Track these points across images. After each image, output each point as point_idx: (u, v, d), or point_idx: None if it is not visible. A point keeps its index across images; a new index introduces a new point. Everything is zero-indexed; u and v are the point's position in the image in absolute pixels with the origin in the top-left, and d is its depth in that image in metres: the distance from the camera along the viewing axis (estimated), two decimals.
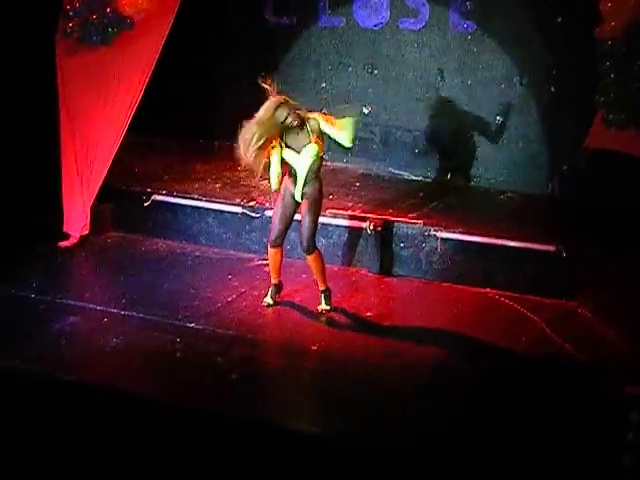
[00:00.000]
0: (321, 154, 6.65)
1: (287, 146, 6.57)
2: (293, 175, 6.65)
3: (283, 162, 6.60)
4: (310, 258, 6.78)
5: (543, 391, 5.86)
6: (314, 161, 6.61)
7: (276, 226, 6.77)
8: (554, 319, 6.82)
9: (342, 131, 6.58)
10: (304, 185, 6.64)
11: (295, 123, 6.48)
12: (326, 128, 6.57)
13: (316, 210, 6.72)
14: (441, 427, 5.44)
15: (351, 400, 5.71)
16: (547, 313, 6.92)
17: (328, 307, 6.89)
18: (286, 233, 6.82)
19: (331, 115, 6.71)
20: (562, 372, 6.11)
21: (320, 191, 6.73)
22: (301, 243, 6.77)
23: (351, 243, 7.78)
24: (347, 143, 6.65)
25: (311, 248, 6.73)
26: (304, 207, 6.70)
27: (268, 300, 6.96)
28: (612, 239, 7.18)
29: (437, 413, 5.61)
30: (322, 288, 6.89)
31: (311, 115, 6.60)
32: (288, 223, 6.80)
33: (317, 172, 6.68)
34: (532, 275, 7.25)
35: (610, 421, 5.42)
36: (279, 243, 6.79)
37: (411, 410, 5.63)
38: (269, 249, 6.87)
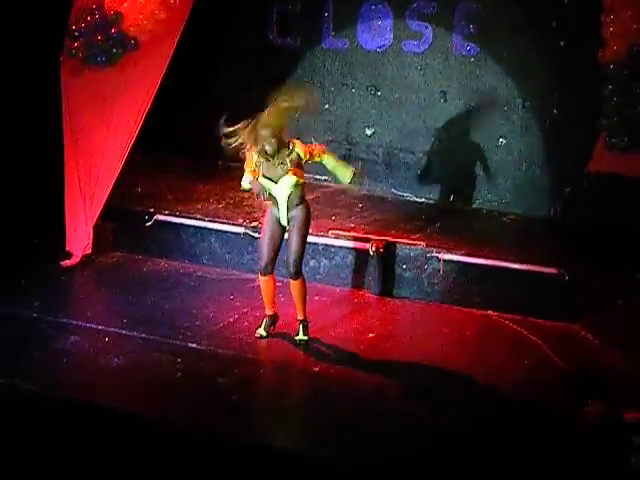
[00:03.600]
0: (300, 182, 6.52)
1: (264, 176, 6.50)
2: (274, 201, 6.59)
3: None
4: (294, 284, 6.63)
5: (545, 414, 5.83)
6: (292, 191, 6.51)
7: (265, 253, 6.64)
8: (556, 342, 6.81)
9: (338, 169, 6.64)
10: (288, 210, 6.56)
11: (269, 151, 6.41)
12: (327, 163, 6.61)
13: (303, 234, 6.58)
14: (442, 451, 5.42)
15: (352, 423, 5.69)
16: (549, 336, 6.91)
17: (305, 337, 6.72)
18: (276, 259, 6.66)
19: (315, 146, 6.63)
20: (564, 395, 6.09)
21: (307, 215, 6.60)
22: (287, 268, 6.61)
23: (353, 264, 7.77)
24: (345, 180, 6.68)
25: (297, 273, 6.59)
26: (291, 231, 6.58)
27: (261, 332, 6.78)
28: (614, 262, 7.17)
29: (438, 437, 5.58)
30: (301, 318, 6.74)
31: (296, 145, 6.49)
32: (277, 249, 6.66)
33: (301, 198, 6.57)
34: (534, 298, 7.24)
35: (613, 445, 5.40)
36: (270, 270, 6.65)
37: (412, 434, 5.61)
38: (260, 277, 6.72)
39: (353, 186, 6.57)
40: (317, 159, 6.61)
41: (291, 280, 6.65)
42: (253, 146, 6.47)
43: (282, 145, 6.46)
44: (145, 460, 5.44)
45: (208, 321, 7.03)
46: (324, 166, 6.70)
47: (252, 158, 6.52)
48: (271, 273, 6.68)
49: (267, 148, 6.41)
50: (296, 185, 6.51)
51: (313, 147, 6.60)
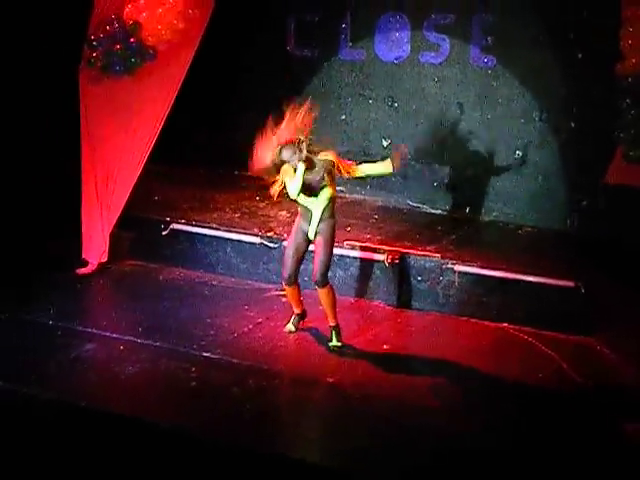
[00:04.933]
0: (334, 195, 6.64)
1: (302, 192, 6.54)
2: (306, 214, 6.66)
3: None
4: (322, 292, 6.73)
5: (560, 428, 5.80)
6: (327, 205, 6.62)
7: (289, 264, 6.75)
8: (572, 355, 6.77)
9: (378, 170, 6.76)
10: (318, 224, 6.65)
11: (299, 163, 6.45)
12: (364, 173, 6.76)
13: (330, 246, 6.71)
14: (457, 465, 5.40)
15: (365, 435, 5.67)
16: (565, 349, 6.87)
17: (339, 344, 6.80)
18: (299, 270, 6.80)
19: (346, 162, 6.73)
20: (579, 409, 6.06)
21: (334, 227, 6.72)
22: (313, 277, 6.73)
23: (368, 275, 7.76)
24: (390, 169, 6.74)
25: (324, 283, 6.69)
26: (318, 243, 6.69)
27: (290, 327, 6.96)
28: (631, 275, 7.14)
29: (452, 450, 5.56)
30: (332, 324, 6.82)
31: (326, 156, 6.58)
32: (300, 260, 6.80)
33: (332, 211, 6.67)
34: (550, 311, 7.21)
35: (628, 459, 5.37)
36: (293, 281, 6.78)
37: (426, 446, 5.59)
38: (285, 287, 6.88)
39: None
40: (346, 175, 6.72)
41: (318, 289, 6.74)
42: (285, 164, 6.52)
43: (314, 156, 6.53)
44: (159, 469, 5.44)
45: (223, 331, 7.03)
46: (365, 176, 6.90)
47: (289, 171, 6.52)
48: (295, 282, 6.81)
49: (295, 160, 6.45)
50: (330, 198, 6.60)
51: (344, 163, 6.69)
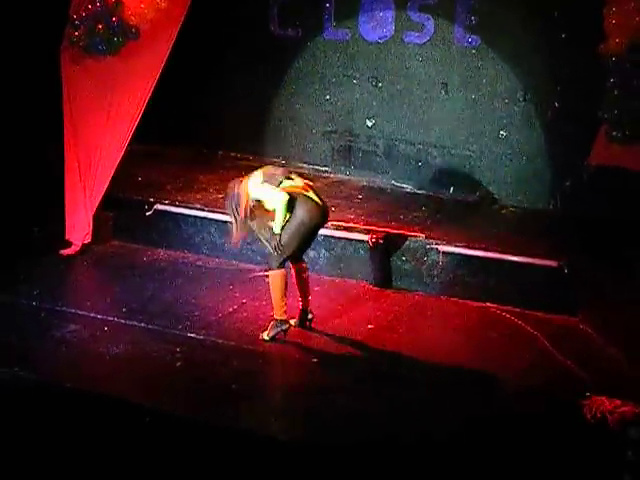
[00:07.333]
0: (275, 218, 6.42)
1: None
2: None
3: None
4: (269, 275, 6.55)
5: (543, 407, 5.84)
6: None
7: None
8: (555, 335, 6.81)
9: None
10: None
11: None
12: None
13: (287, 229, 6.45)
14: (440, 443, 5.43)
15: (350, 414, 5.69)
16: (548, 328, 6.91)
17: (267, 338, 6.51)
18: (301, 252, 6.66)
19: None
20: (562, 388, 6.10)
21: (294, 220, 6.49)
22: None
23: (353, 255, 7.77)
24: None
25: (269, 266, 6.53)
26: None
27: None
28: (615, 255, 7.18)
29: (436, 428, 5.59)
30: (274, 315, 6.54)
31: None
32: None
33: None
34: (534, 290, 7.25)
35: (609, 438, 5.41)
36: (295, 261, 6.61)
37: (411, 425, 5.62)
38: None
39: None
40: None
41: None
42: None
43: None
44: (143, 449, 5.45)
45: (207, 311, 7.03)
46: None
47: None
48: (298, 263, 6.64)
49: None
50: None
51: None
